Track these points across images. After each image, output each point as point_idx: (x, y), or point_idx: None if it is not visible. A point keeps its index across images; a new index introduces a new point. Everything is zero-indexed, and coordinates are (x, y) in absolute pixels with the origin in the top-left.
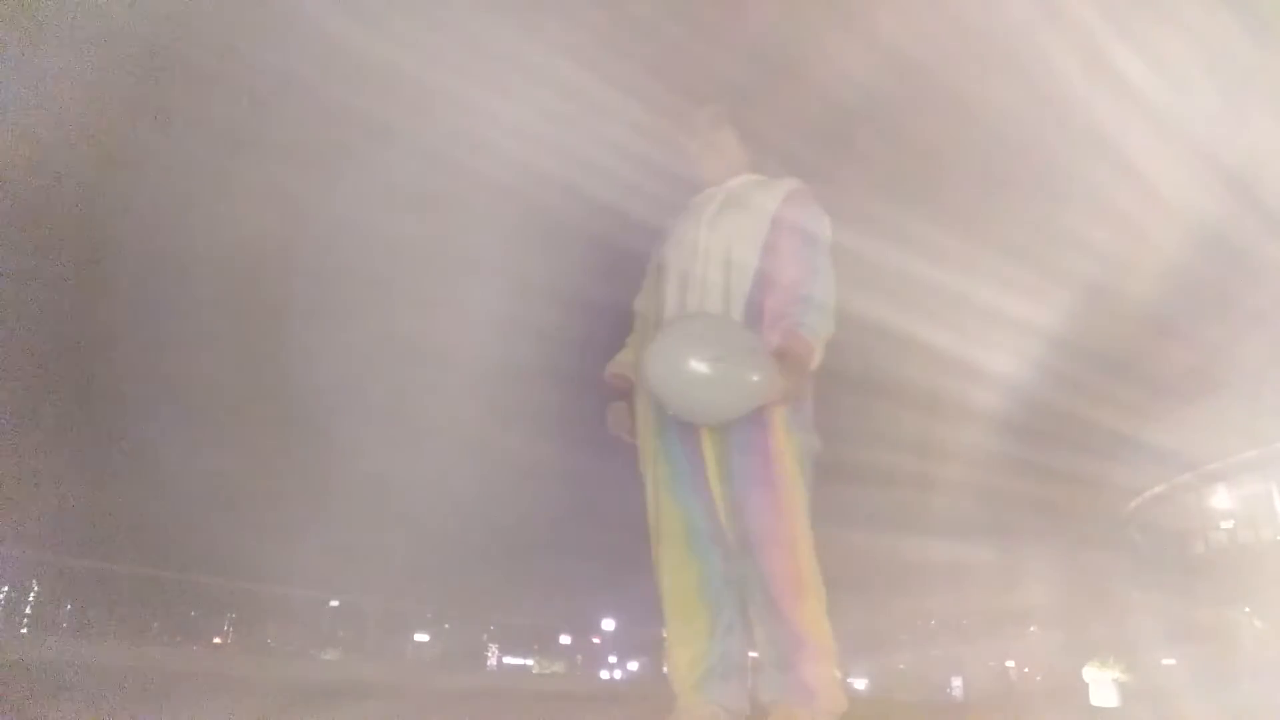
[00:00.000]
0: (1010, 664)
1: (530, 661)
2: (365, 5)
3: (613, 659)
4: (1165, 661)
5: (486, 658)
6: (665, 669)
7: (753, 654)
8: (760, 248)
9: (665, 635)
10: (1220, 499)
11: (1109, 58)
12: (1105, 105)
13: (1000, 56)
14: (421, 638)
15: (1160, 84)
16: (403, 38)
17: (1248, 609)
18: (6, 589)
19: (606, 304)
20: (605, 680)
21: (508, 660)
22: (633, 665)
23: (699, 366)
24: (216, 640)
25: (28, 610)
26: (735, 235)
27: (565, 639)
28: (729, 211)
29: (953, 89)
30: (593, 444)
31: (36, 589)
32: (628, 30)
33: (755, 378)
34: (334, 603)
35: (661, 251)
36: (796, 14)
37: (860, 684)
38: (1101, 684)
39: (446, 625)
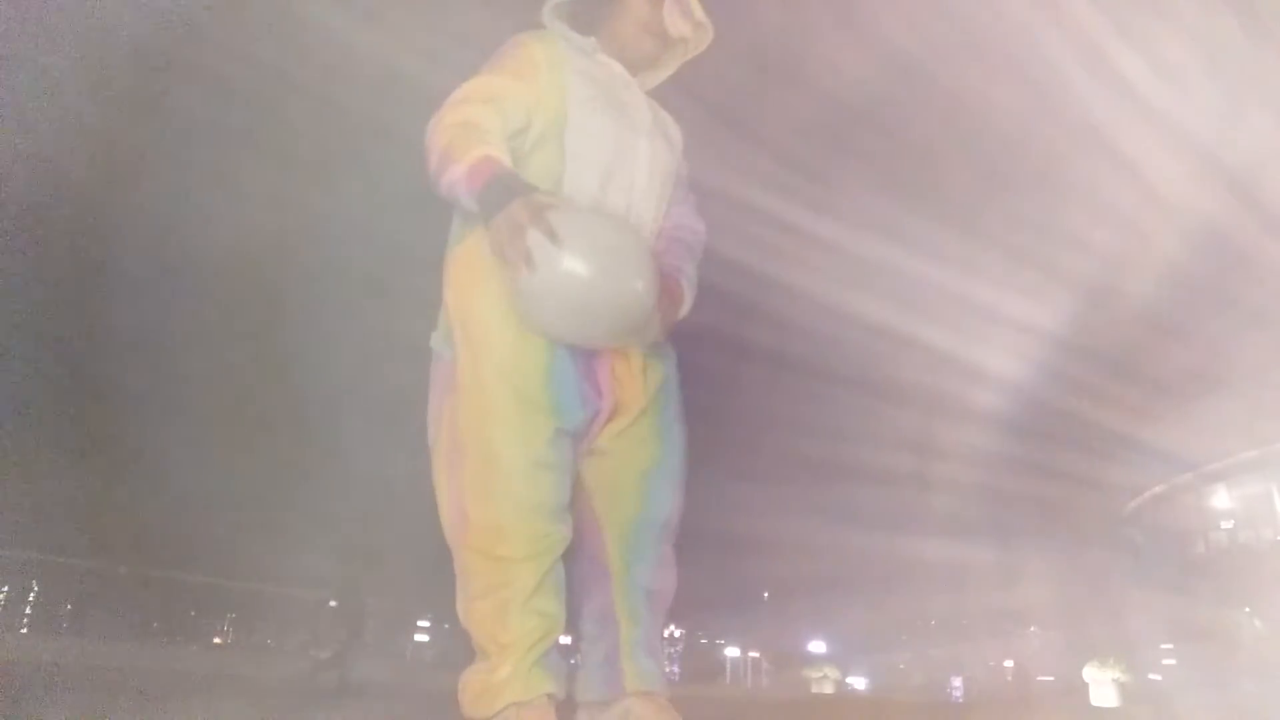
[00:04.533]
0: (1010, 664)
1: None
2: (365, 5)
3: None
4: (1165, 661)
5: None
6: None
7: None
8: (671, 194)
9: None
10: (1220, 499)
11: (1109, 58)
12: (1105, 105)
13: (1000, 56)
14: (421, 638)
15: (1160, 84)
16: (403, 38)
17: (1248, 609)
18: (6, 589)
19: None
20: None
21: None
22: None
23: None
24: (216, 640)
25: (28, 610)
26: (665, 170)
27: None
28: (659, 137)
29: (953, 89)
30: None
31: (36, 589)
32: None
33: (639, 285)
34: (334, 603)
35: (567, 113)
36: (796, 14)
37: (860, 684)
38: (1101, 684)
39: (446, 625)
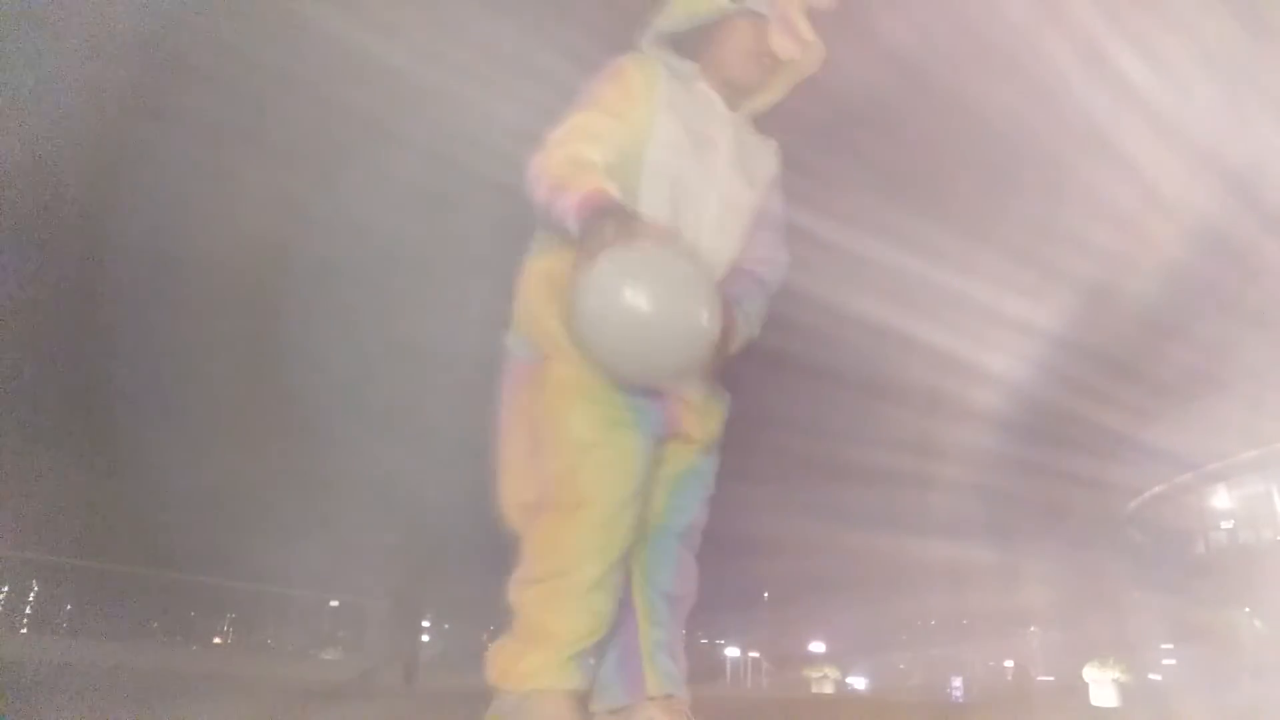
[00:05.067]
0: (1010, 664)
1: None
2: (365, 5)
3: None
4: (1165, 661)
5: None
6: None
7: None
8: (745, 232)
9: None
10: (1220, 499)
11: (1109, 58)
12: (1106, 105)
13: (1000, 56)
14: (421, 638)
15: (1160, 84)
16: (403, 37)
17: (1248, 609)
18: (6, 589)
19: None
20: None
21: None
22: None
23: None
24: (216, 640)
25: (28, 610)
26: (741, 208)
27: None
28: (738, 177)
29: (953, 89)
30: None
31: (36, 589)
32: (628, 30)
33: (702, 318)
34: (334, 603)
35: (645, 153)
36: None
37: (860, 684)
38: (1101, 684)
39: (446, 625)
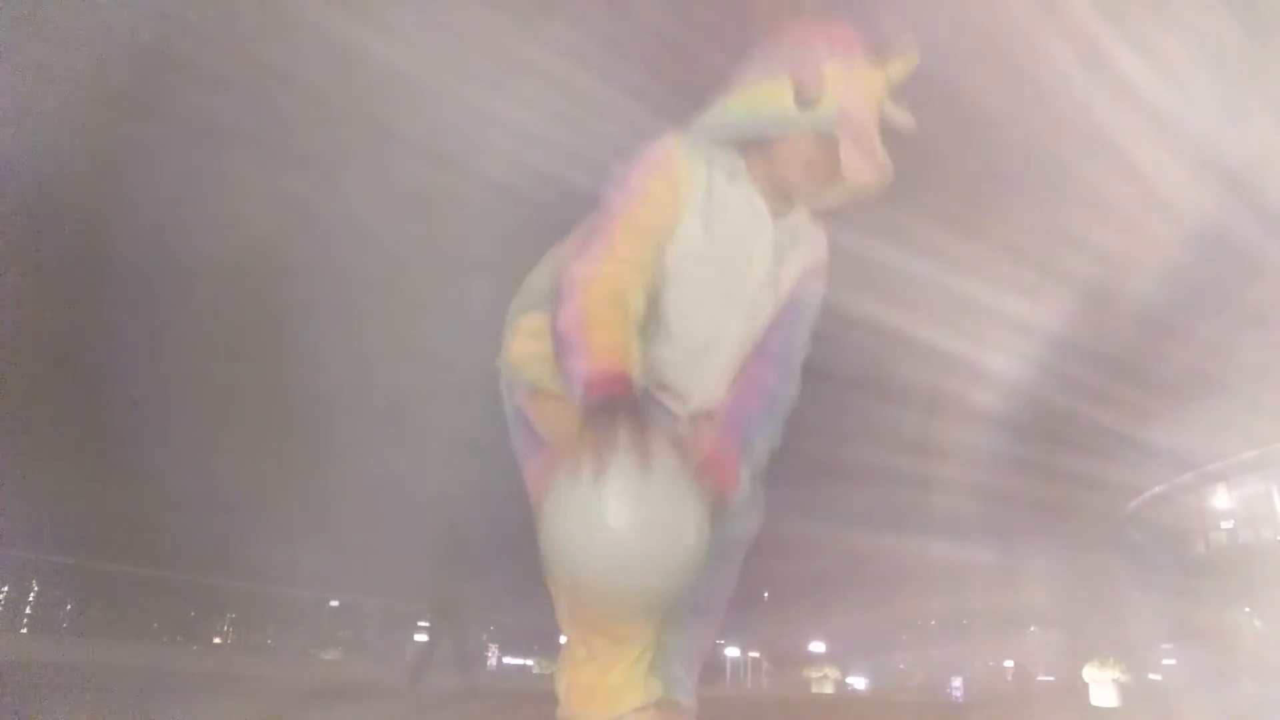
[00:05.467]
0: (1010, 664)
1: (530, 661)
2: (365, 5)
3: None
4: (1165, 661)
5: (486, 658)
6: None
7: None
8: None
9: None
10: (1220, 499)
11: (1109, 58)
12: (1106, 105)
13: (1000, 56)
14: (421, 638)
15: (1160, 84)
16: (403, 37)
17: (1248, 609)
18: (6, 589)
19: None
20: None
21: (508, 660)
22: None
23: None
24: (216, 640)
25: (28, 610)
26: (765, 323)
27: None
28: (768, 298)
29: (953, 89)
30: None
31: (36, 589)
32: (628, 30)
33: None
34: (334, 603)
35: (667, 264)
36: (796, 14)
37: (860, 684)
38: (1101, 684)
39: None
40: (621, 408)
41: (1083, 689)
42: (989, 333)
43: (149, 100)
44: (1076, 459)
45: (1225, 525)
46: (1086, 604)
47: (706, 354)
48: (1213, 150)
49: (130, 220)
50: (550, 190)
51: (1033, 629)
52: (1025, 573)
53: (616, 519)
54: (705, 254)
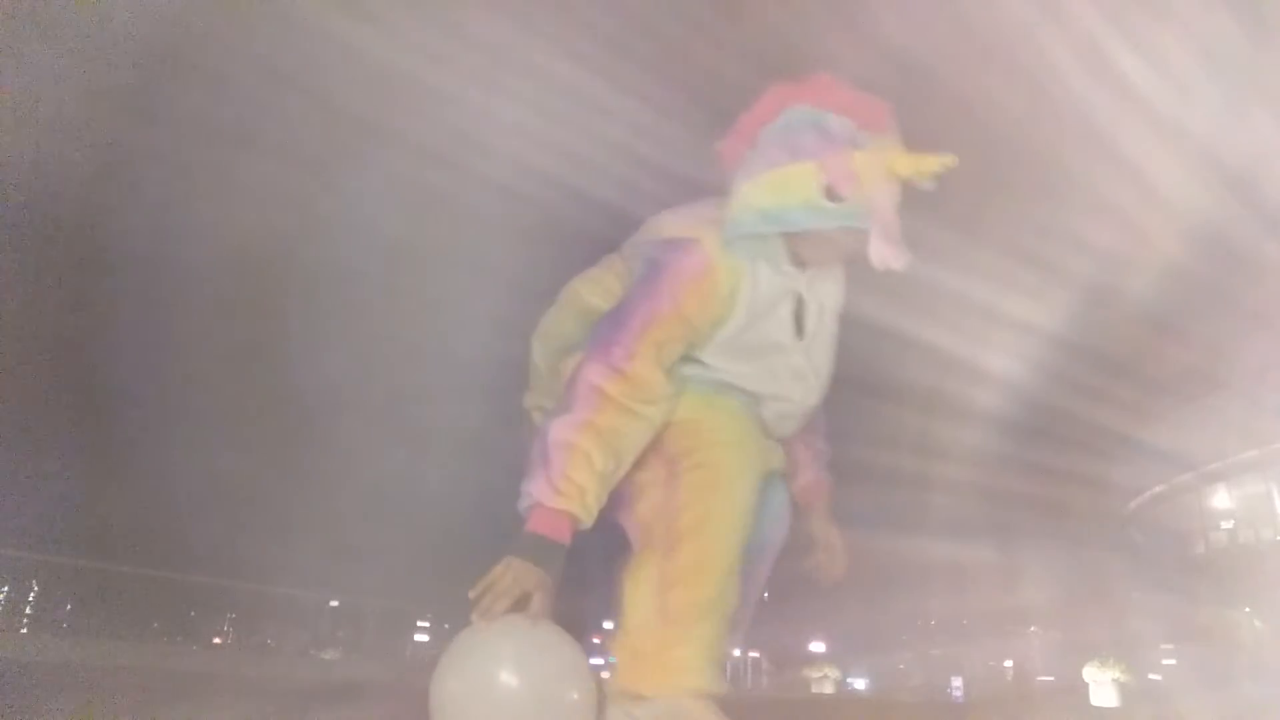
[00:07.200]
0: (1010, 664)
1: None
2: (365, 5)
3: (613, 659)
4: (1165, 661)
5: None
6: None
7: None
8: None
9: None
10: (1220, 499)
11: (1109, 58)
12: (1106, 105)
13: (1000, 56)
14: (421, 638)
15: (1160, 84)
16: (403, 38)
17: (1248, 609)
18: (6, 589)
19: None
20: (605, 680)
21: None
22: None
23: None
24: (216, 640)
25: (28, 610)
26: (822, 384)
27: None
28: (811, 372)
29: (953, 89)
30: None
31: (36, 589)
32: (628, 30)
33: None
34: (334, 603)
35: (707, 348)
36: (796, 14)
37: (860, 684)
38: (1101, 684)
39: (446, 625)
40: (545, 559)
41: (1083, 689)
42: (988, 332)
43: (149, 100)
44: (1076, 459)
45: (1225, 525)
46: (1086, 604)
47: (776, 405)
48: (1213, 150)
49: (130, 220)
50: (550, 190)
51: (1033, 629)
52: (1025, 573)
53: (495, 669)
54: (748, 333)
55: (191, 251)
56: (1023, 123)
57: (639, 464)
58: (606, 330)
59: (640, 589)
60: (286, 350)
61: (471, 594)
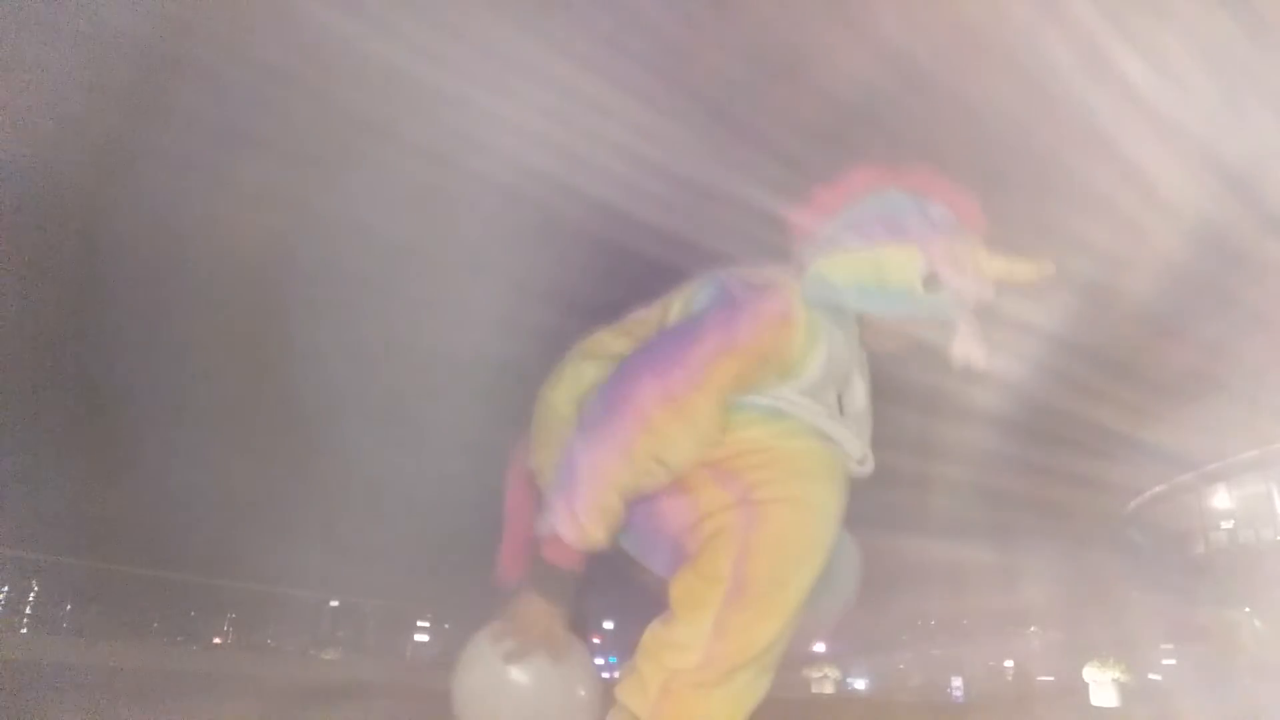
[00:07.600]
0: (1010, 664)
1: None
2: (365, 5)
3: (614, 659)
4: (1165, 661)
5: None
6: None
7: None
8: None
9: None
10: (1220, 499)
11: (1109, 57)
12: (1105, 105)
13: (1000, 56)
14: (421, 638)
15: (1160, 83)
16: (403, 37)
17: (1248, 609)
18: (6, 589)
19: (607, 303)
20: (605, 680)
21: None
22: None
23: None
24: (216, 640)
25: (28, 610)
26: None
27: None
28: (863, 431)
29: (953, 89)
30: None
31: (36, 589)
32: (628, 30)
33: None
34: (334, 603)
35: (783, 388)
36: (796, 14)
37: (860, 684)
38: (1101, 684)
39: (446, 625)
40: (560, 592)
41: (1083, 689)
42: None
43: (149, 99)
44: (1076, 459)
45: (1225, 525)
46: (1086, 604)
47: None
48: (1213, 150)
49: (130, 220)
50: (549, 190)
51: (1033, 629)
52: (1025, 573)
53: (519, 699)
54: (823, 392)
55: (191, 251)
56: (1022, 123)
57: (697, 483)
58: (669, 348)
59: (696, 617)
60: (287, 350)
61: (493, 642)
